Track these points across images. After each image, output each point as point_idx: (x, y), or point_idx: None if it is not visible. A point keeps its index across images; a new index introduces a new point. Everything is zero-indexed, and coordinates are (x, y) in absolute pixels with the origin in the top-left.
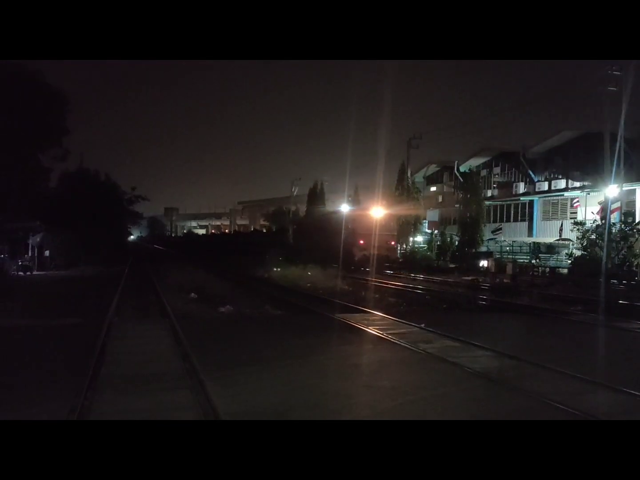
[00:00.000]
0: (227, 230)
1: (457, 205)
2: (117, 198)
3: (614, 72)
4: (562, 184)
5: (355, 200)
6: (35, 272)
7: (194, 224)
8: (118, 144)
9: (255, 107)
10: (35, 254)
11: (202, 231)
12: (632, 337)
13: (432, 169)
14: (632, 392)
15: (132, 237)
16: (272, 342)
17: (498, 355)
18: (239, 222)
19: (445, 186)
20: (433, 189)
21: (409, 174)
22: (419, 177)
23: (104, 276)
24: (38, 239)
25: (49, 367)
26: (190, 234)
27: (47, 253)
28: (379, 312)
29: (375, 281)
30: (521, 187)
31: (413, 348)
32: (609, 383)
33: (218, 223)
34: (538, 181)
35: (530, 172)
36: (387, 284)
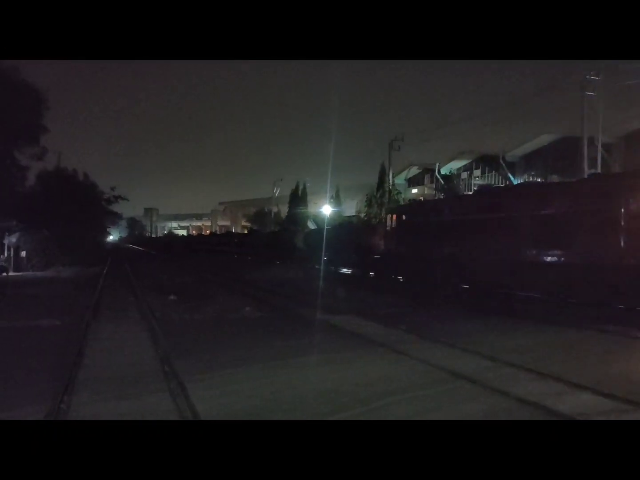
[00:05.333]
0: (208, 231)
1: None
2: (95, 198)
3: (592, 77)
4: None
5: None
6: (11, 273)
7: (174, 224)
8: (97, 144)
9: (237, 106)
10: (12, 255)
11: (182, 232)
12: None
13: (414, 171)
14: None
15: (111, 237)
16: (254, 343)
17: None
18: (220, 222)
19: (426, 188)
20: (414, 191)
21: (390, 176)
22: (400, 179)
23: (82, 277)
24: (14, 239)
25: (25, 370)
26: (170, 235)
27: (23, 254)
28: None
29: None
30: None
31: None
32: None
33: (199, 224)
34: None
35: (510, 175)
36: (366, 284)
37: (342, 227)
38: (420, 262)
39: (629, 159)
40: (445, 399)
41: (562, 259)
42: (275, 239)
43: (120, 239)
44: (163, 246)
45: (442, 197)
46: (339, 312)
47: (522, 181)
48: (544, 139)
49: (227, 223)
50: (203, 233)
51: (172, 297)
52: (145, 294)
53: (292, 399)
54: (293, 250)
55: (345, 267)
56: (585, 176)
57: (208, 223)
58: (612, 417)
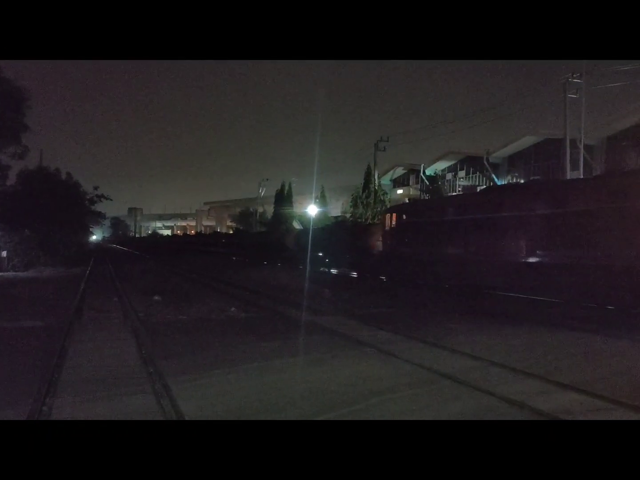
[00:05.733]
0: (193, 231)
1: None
2: (78, 197)
3: (575, 80)
4: None
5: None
6: None
7: (158, 224)
8: (81, 143)
9: (223, 107)
10: None
11: (167, 232)
12: None
13: (399, 171)
14: None
15: (94, 237)
16: (239, 344)
17: None
18: (205, 222)
19: (411, 189)
20: (400, 191)
21: (376, 177)
22: (386, 180)
23: (65, 277)
24: None
25: (6, 371)
26: (155, 235)
27: (4, 254)
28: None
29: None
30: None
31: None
32: None
33: (184, 224)
34: (501, 184)
35: (494, 176)
36: (356, 283)
37: (336, 226)
38: (424, 263)
39: (610, 161)
40: (430, 398)
41: (585, 260)
42: (264, 238)
43: (104, 239)
44: (147, 246)
45: (448, 196)
46: (325, 313)
47: (534, 179)
48: (527, 141)
49: (212, 223)
50: (188, 233)
51: (156, 297)
52: (129, 294)
53: (278, 400)
54: (284, 251)
55: (339, 267)
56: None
57: (193, 223)
58: (595, 416)
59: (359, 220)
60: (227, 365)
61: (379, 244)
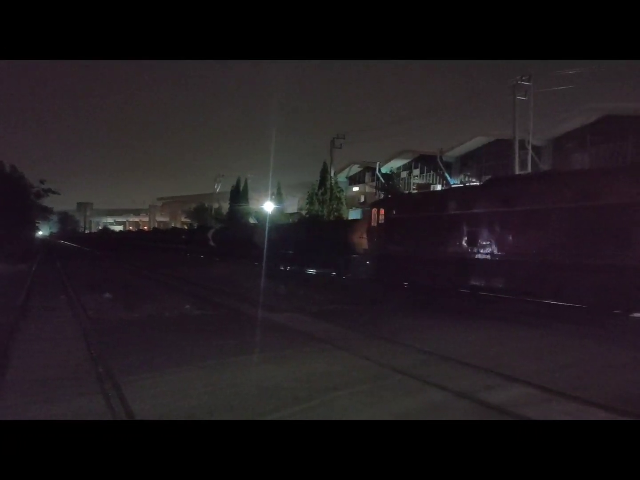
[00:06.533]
0: (145, 227)
1: (366, 208)
2: (23, 191)
3: (524, 82)
4: None
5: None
6: None
7: (109, 220)
8: (28, 135)
9: (178, 101)
10: None
11: (118, 227)
12: None
13: (355, 169)
14: None
15: (40, 233)
16: (193, 342)
17: None
18: (159, 218)
19: (367, 186)
20: (355, 189)
21: (332, 174)
22: (342, 177)
23: (8, 274)
24: None
25: None
26: (105, 231)
27: None
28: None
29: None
30: (438, 189)
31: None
32: None
33: (136, 219)
34: (454, 183)
35: (447, 175)
36: (312, 281)
37: (307, 223)
38: (418, 263)
39: (557, 161)
40: (384, 393)
41: (610, 260)
42: (227, 235)
43: (51, 235)
44: (98, 242)
45: (447, 188)
46: (281, 310)
47: (548, 169)
48: (479, 141)
49: (166, 219)
50: (141, 229)
51: (107, 295)
52: (78, 292)
53: (232, 398)
54: (248, 248)
55: (309, 266)
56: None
57: (146, 219)
58: (542, 408)
59: (320, 214)
60: (180, 364)
61: (362, 242)
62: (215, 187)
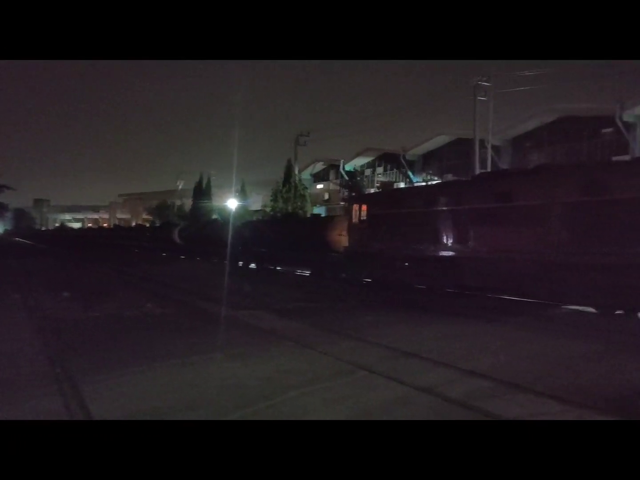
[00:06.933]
0: (106, 224)
1: (342, 203)
2: None
3: (484, 83)
4: None
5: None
6: None
7: (68, 217)
8: None
9: (138, 97)
10: None
11: (77, 225)
12: None
13: (319, 166)
14: None
15: None
16: (154, 341)
17: None
18: (120, 215)
19: (331, 184)
20: (320, 186)
21: (296, 171)
22: (306, 174)
23: None
24: None
25: None
26: (63, 227)
27: None
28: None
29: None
30: (401, 187)
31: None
32: None
33: (96, 216)
34: (417, 181)
35: (410, 173)
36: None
37: (282, 219)
38: (405, 261)
39: (515, 161)
40: (348, 389)
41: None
42: (194, 232)
43: (5, 232)
44: (55, 240)
45: (440, 182)
46: (246, 307)
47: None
48: (441, 140)
49: (126, 216)
50: (102, 226)
51: (65, 294)
52: (34, 291)
53: (194, 397)
54: (217, 245)
55: (287, 265)
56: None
57: (106, 216)
58: (499, 400)
59: (281, 210)
60: (141, 363)
61: (341, 239)
62: (178, 184)
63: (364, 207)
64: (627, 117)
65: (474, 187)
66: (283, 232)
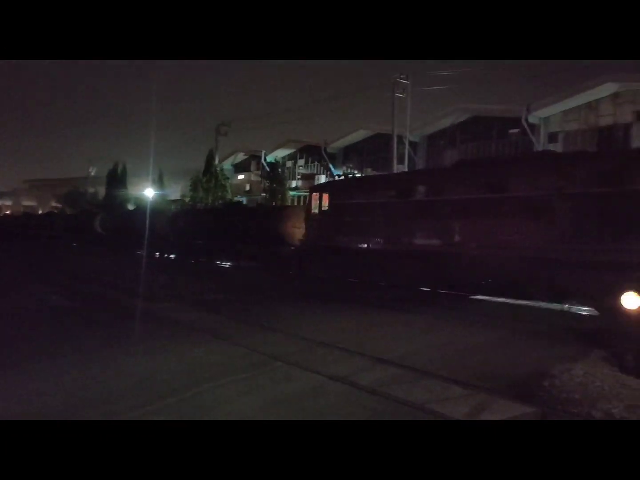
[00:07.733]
0: (9, 212)
1: (263, 194)
2: None
3: (402, 80)
4: None
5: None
6: None
7: None
8: None
9: (49, 79)
10: None
11: None
12: None
13: (240, 157)
14: None
15: None
16: (60, 335)
17: None
18: (25, 203)
19: (252, 175)
20: (241, 177)
21: (217, 161)
22: (227, 165)
23: None
24: None
25: None
26: None
27: None
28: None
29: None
30: (322, 179)
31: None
32: None
33: None
34: (337, 174)
35: (331, 166)
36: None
37: (224, 209)
38: (372, 256)
39: (430, 157)
40: (263, 380)
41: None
42: (117, 221)
43: None
44: None
45: (416, 170)
46: (160, 300)
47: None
48: (361, 134)
49: (33, 203)
50: (6, 213)
51: None
52: None
53: (102, 394)
54: (143, 236)
55: (229, 259)
56: None
57: (9, 203)
58: (408, 386)
59: (201, 203)
60: (45, 359)
61: (296, 232)
62: (90, 170)
63: (325, 197)
64: (532, 118)
65: (453, 177)
66: (224, 222)
